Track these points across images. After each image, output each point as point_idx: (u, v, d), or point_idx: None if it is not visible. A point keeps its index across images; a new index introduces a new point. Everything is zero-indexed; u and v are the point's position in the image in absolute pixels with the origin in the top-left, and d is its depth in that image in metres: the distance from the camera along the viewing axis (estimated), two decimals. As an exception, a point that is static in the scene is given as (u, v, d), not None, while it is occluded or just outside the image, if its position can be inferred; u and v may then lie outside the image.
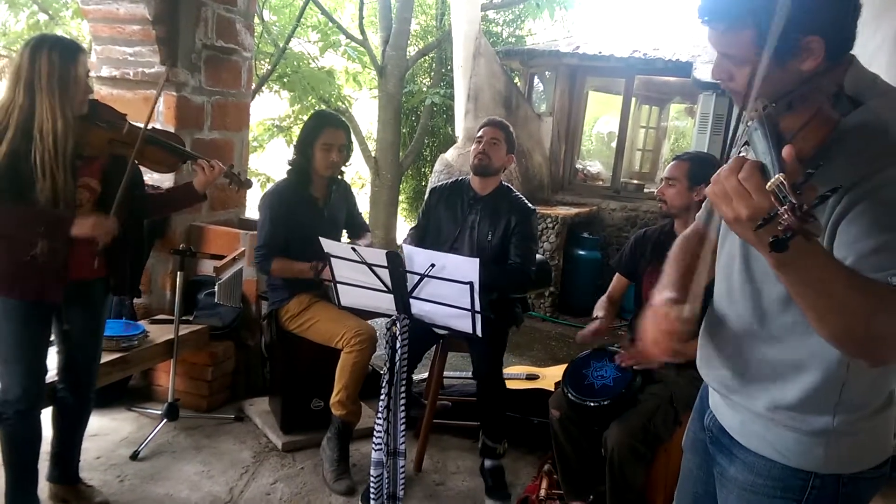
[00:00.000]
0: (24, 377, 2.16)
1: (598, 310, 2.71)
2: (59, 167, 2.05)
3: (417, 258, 2.02)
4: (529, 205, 2.96)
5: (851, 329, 0.95)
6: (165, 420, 3.02)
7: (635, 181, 7.37)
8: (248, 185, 2.71)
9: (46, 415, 2.37)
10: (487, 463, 2.82)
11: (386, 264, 2.01)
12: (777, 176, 0.85)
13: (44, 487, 2.42)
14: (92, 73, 3.43)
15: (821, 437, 1.16)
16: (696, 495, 1.47)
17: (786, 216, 0.82)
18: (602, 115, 9.74)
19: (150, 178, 3.09)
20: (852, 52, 1.11)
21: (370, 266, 2.04)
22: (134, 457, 2.84)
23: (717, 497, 1.37)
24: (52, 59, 2.01)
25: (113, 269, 2.33)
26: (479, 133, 2.95)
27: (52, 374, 2.36)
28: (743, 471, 1.26)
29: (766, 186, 0.86)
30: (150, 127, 2.30)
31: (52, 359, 2.36)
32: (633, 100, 7.40)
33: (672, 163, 2.62)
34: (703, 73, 5.76)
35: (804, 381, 1.15)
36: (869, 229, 0.98)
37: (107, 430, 3.05)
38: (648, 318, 1.27)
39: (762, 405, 1.21)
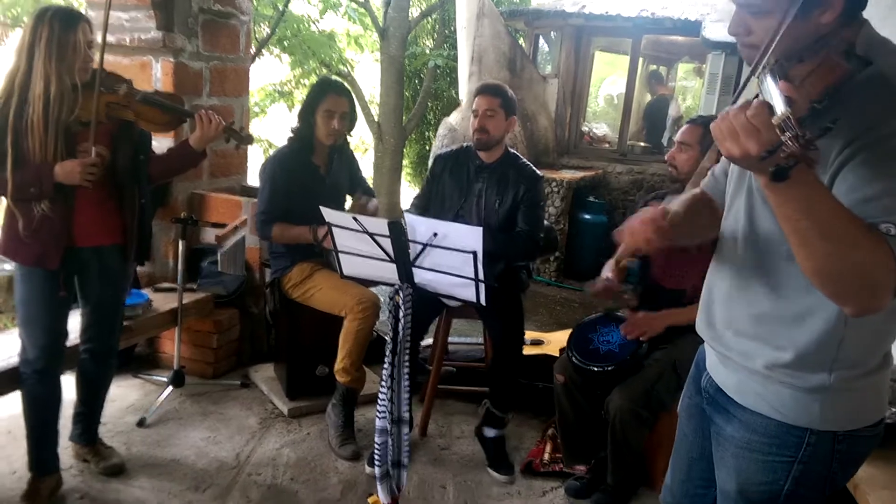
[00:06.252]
0: (41, 338, 2.23)
1: (607, 270, 2.68)
2: (49, 132, 2.06)
3: (420, 227, 1.99)
4: (537, 171, 2.90)
5: (831, 258, 0.98)
6: (171, 387, 3.05)
7: (642, 143, 7.27)
8: (250, 140, 2.63)
9: (70, 379, 2.45)
10: (490, 432, 2.82)
11: (388, 233, 1.99)
12: (784, 110, 0.92)
13: (66, 447, 2.50)
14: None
15: (817, 394, 1.18)
16: (692, 459, 1.49)
17: (789, 144, 0.89)
18: (608, 75, 9.57)
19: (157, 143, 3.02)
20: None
21: (372, 235, 2.02)
22: (141, 423, 2.88)
23: (714, 457, 1.38)
24: (53, 25, 2.05)
25: (128, 235, 2.35)
26: (474, 105, 2.82)
27: (75, 336, 2.42)
28: (740, 429, 1.28)
29: (773, 121, 0.92)
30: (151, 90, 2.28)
31: (77, 321, 2.43)
32: (641, 60, 7.26)
33: (685, 126, 2.56)
34: (713, 32, 5.62)
35: (802, 337, 1.17)
36: (866, 178, 1.01)
37: (113, 398, 3.05)
38: (637, 215, 1.35)
39: (760, 363, 1.22)
